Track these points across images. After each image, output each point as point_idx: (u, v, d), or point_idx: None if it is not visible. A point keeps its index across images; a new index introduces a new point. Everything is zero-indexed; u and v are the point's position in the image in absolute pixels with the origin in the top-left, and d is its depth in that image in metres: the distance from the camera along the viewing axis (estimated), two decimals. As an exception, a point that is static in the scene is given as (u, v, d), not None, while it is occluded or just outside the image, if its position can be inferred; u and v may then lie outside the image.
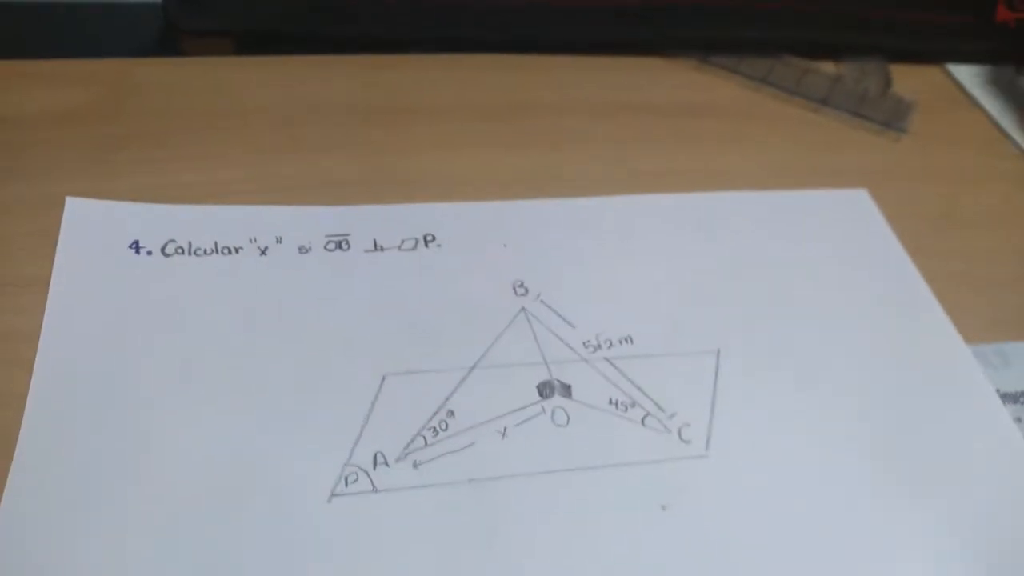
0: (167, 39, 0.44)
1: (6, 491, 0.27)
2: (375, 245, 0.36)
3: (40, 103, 0.39)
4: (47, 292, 0.33)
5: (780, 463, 0.31)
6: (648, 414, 0.31)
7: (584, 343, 0.33)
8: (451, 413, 0.30)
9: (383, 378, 0.31)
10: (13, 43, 0.43)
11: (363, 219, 0.36)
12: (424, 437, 0.30)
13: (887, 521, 0.30)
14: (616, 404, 0.31)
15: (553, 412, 0.31)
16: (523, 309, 0.34)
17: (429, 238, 0.36)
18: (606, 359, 0.33)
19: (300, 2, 0.44)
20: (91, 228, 0.34)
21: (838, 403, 0.33)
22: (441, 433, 0.30)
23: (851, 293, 0.37)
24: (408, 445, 0.30)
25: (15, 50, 0.42)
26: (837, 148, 0.45)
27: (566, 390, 0.32)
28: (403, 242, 0.36)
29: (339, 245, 0.35)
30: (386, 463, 0.29)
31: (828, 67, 0.50)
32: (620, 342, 0.33)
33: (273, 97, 0.42)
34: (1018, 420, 0.33)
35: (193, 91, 0.41)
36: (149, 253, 0.34)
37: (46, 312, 0.32)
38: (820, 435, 0.32)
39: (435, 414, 0.30)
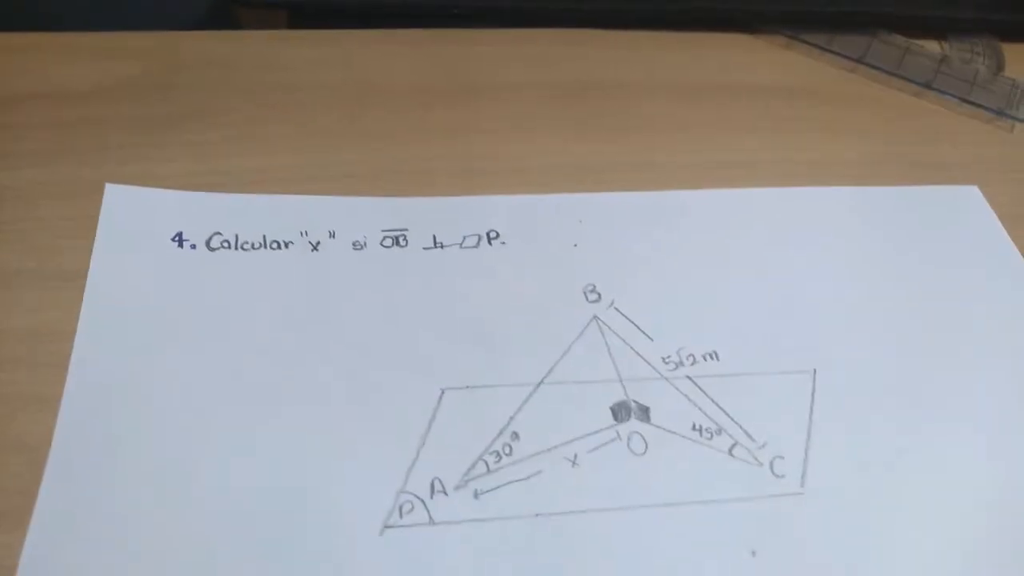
0: (220, 10, 0.42)
1: (36, 509, 0.25)
2: (434, 241, 0.33)
3: (84, 79, 0.37)
4: (84, 286, 0.30)
5: (886, 505, 0.27)
6: (736, 443, 0.28)
7: (664, 358, 0.30)
8: (515, 435, 0.28)
9: (442, 392, 0.28)
10: (58, 14, 0.41)
11: (422, 212, 0.34)
12: (486, 462, 0.27)
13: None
14: (700, 430, 0.28)
15: (629, 438, 0.28)
16: (595, 317, 0.31)
17: (492, 235, 0.33)
18: (688, 378, 0.30)
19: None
20: (132, 218, 0.32)
21: (955, 433, 0.29)
22: (505, 458, 0.27)
23: (964, 303, 0.33)
24: (469, 471, 0.27)
25: (59, 22, 0.39)
26: (943, 138, 0.41)
27: (644, 413, 0.28)
28: (464, 239, 0.33)
29: (396, 241, 0.32)
30: (444, 491, 0.26)
31: (932, 46, 0.45)
32: (704, 358, 0.30)
33: (329, 75, 0.39)
34: None
35: (246, 67, 0.39)
36: (193, 247, 0.31)
37: (82, 310, 0.30)
38: (935, 472, 0.28)
39: (498, 436, 0.28)
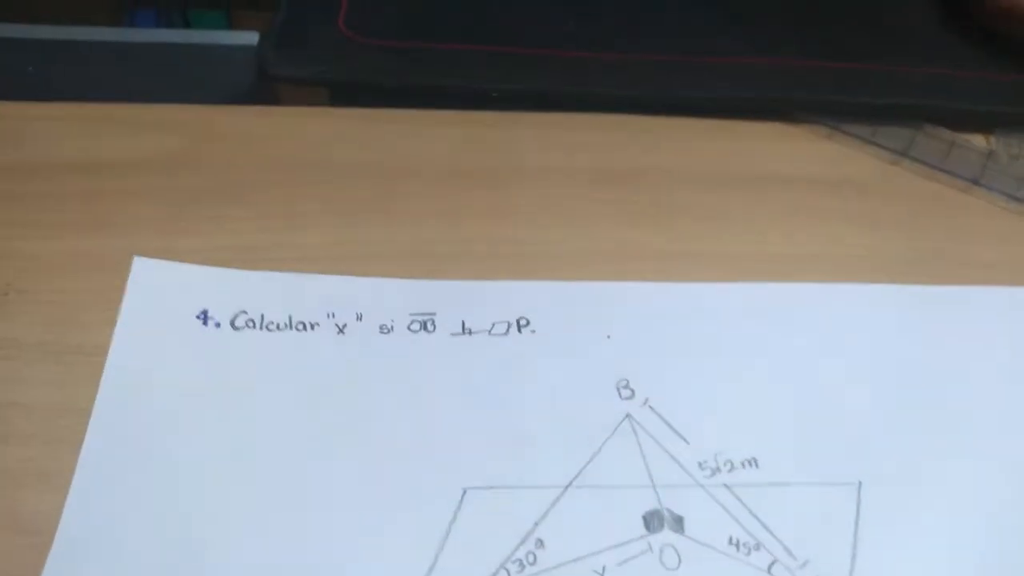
0: (262, 86, 0.42)
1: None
2: (463, 328, 0.32)
3: (119, 149, 0.37)
4: (104, 362, 0.30)
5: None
6: (776, 560, 0.26)
7: (700, 464, 0.28)
8: (540, 543, 0.26)
9: (464, 492, 0.27)
10: (93, 85, 0.41)
11: (452, 296, 0.33)
12: (508, 571, 0.26)
13: None
14: (737, 545, 0.27)
15: (662, 551, 0.26)
16: (628, 415, 0.30)
17: (523, 322, 0.32)
18: (726, 486, 0.28)
19: (404, 52, 0.41)
20: (158, 293, 0.31)
21: (1019, 549, 0.27)
22: (528, 567, 0.26)
23: (1014, 411, 0.32)
24: (490, 580, 0.25)
25: (99, 87, 0.39)
26: (992, 236, 0.40)
27: (678, 523, 0.27)
28: (494, 326, 0.32)
29: (424, 326, 0.32)
30: (463, 601, 0.25)
31: (979, 140, 0.44)
32: (743, 465, 0.29)
33: (364, 153, 0.38)
34: None
35: (280, 143, 0.38)
36: (218, 325, 0.31)
37: (101, 386, 0.29)
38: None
39: (522, 543, 0.26)
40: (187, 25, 0.68)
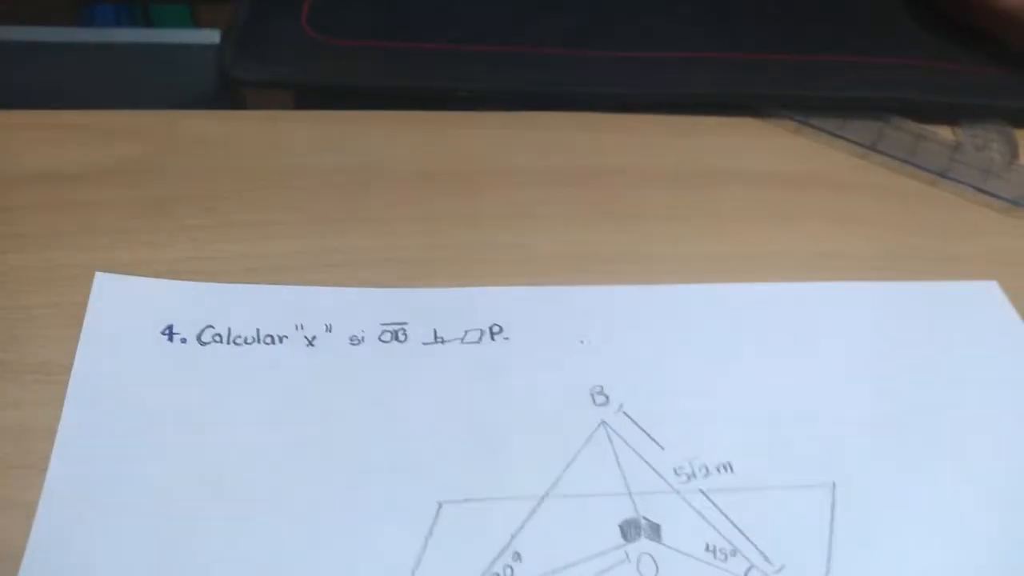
0: (225, 89, 0.41)
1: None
2: (435, 336, 0.31)
3: (77, 159, 0.36)
4: (67, 381, 0.29)
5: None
6: (752, 566, 0.26)
7: (675, 470, 0.28)
8: (517, 556, 0.26)
9: (439, 506, 0.27)
10: (50, 89, 0.40)
11: (423, 304, 0.32)
12: (486, 585, 0.25)
13: None
14: (714, 551, 0.27)
15: (639, 560, 0.26)
16: (603, 423, 0.29)
17: (496, 329, 0.32)
18: (701, 492, 0.28)
19: (369, 52, 0.40)
20: (121, 309, 0.31)
21: (994, 557, 0.27)
22: (506, 582, 0.25)
23: (986, 406, 0.32)
24: (467, 595, 0.25)
25: (59, 96, 0.38)
26: (959, 229, 0.40)
27: (655, 531, 0.27)
28: (466, 333, 0.32)
29: (395, 336, 0.31)
30: (441, 618, 0.25)
31: (945, 133, 0.44)
32: (718, 470, 0.29)
33: (332, 158, 0.38)
34: None
35: (244, 149, 0.38)
36: (184, 340, 0.30)
37: (64, 407, 0.28)
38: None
39: (499, 556, 0.26)
40: (148, 20, 0.66)
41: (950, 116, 0.45)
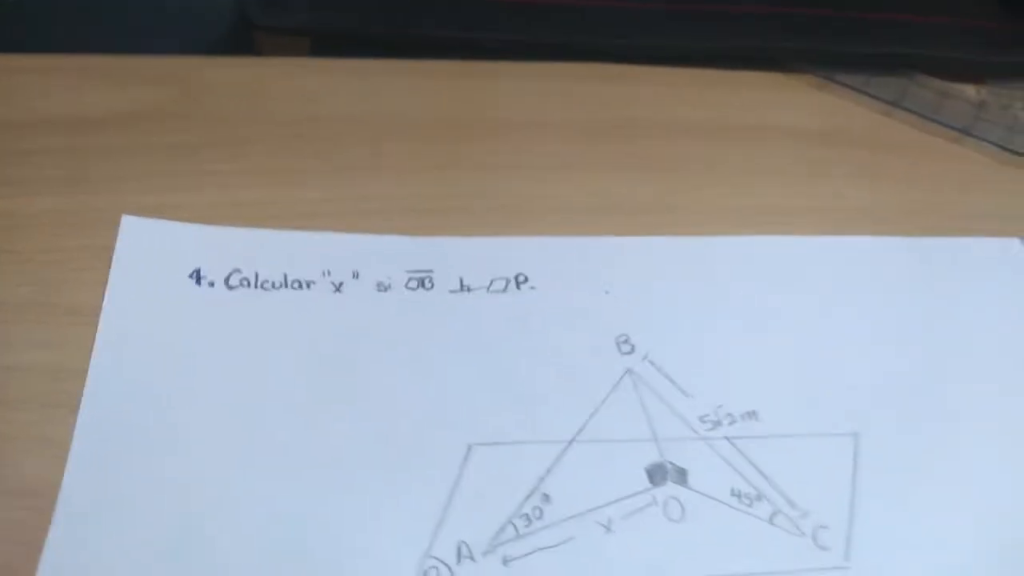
0: (240, 34, 0.41)
1: (43, 557, 0.24)
2: (461, 284, 0.31)
3: (101, 104, 0.36)
4: (97, 323, 0.29)
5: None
6: (777, 511, 0.27)
7: (701, 417, 0.29)
8: (546, 497, 0.26)
9: (468, 448, 0.27)
10: (74, 36, 0.40)
11: (449, 252, 0.32)
12: (515, 526, 0.26)
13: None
14: (740, 496, 0.27)
15: (666, 503, 0.27)
16: (628, 371, 0.30)
17: (521, 279, 0.32)
18: (727, 439, 0.28)
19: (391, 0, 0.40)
20: (149, 252, 0.31)
21: (1013, 502, 0.28)
22: (535, 522, 0.26)
23: (1008, 362, 0.32)
24: (497, 535, 0.25)
25: (75, 44, 0.38)
26: (983, 186, 0.40)
27: (681, 476, 0.27)
28: (492, 282, 0.32)
29: (422, 283, 0.31)
30: (471, 557, 0.25)
31: (969, 90, 0.44)
32: (743, 417, 0.29)
33: (356, 106, 0.38)
34: None
35: (268, 96, 0.37)
36: (211, 284, 0.30)
37: (94, 349, 0.28)
38: (988, 544, 0.27)
39: (528, 497, 0.26)
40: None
41: (975, 74, 0.44)
